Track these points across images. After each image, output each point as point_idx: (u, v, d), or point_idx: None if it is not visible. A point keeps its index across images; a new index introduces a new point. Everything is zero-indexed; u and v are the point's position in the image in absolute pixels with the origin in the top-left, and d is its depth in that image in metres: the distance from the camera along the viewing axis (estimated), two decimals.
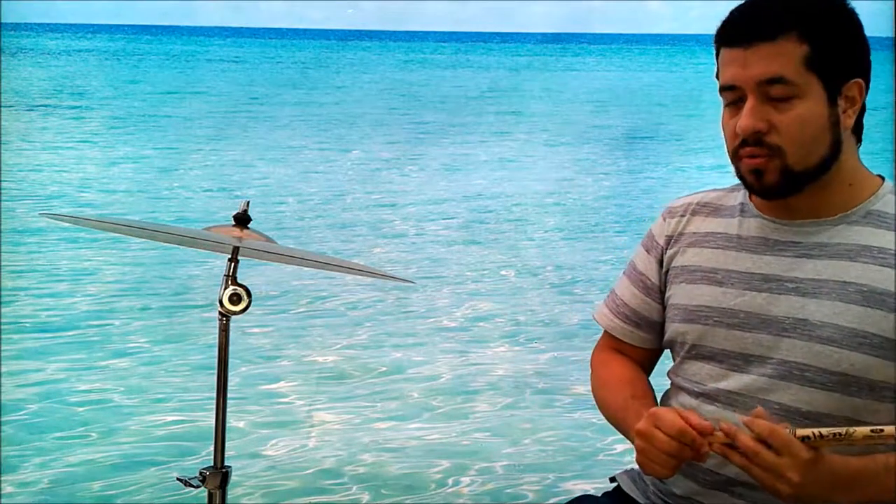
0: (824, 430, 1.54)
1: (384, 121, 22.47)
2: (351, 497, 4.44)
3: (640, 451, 1.66)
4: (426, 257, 9.40)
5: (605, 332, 2.02)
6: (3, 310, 7.01)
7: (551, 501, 4.42)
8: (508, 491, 4.51)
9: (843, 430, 1.53)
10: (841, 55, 1.69)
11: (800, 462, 1.53)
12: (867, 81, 1.75)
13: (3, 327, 6.61)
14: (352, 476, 4.61)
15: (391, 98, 29.98)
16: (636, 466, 1.89)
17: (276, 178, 14.00)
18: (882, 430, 1.51)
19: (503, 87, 35.92)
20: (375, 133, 19.98)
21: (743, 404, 1.73)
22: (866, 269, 1.68)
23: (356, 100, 28.86)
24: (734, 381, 1.76)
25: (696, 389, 1.81)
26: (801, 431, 1.55)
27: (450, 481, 4.57)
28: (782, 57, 1.65)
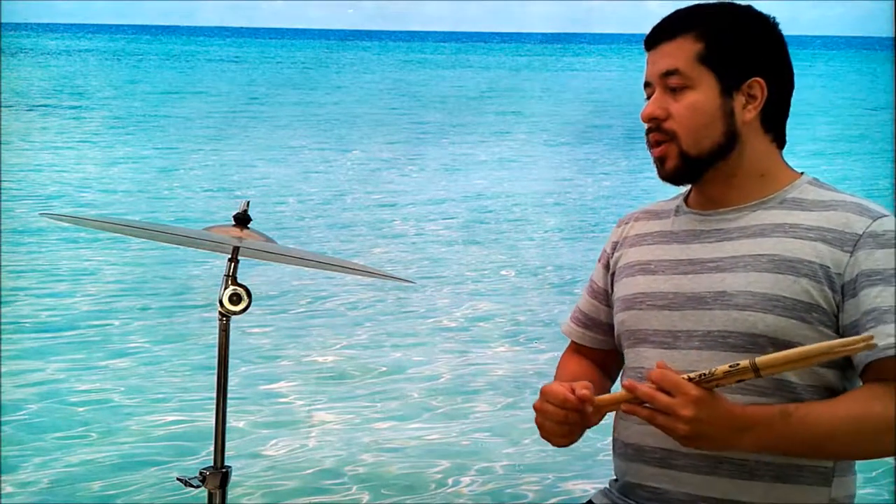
0: (692, 374, 1.68)
1: (384, 121, 22.48)
2: (351, 497, 4.44)
3: (538, 426, 1.84)
4: (426, 257, 9.41)
5: (570, 340, 2.18)
6: (3, 310, 7.02)
7: (551, 501, 4.43)
8: (508, 491, 4.51)
9: (706, 370, 1.67)
10: (737, 54, 1.88)
11: (690, 399, 1.66)
12: (779, 82, 1.91)
13: (3, 327, 6.62)
14: (352, 476, 4.62)
15: (391, 98, 29.99)
16: (607, 485, 2.02)
17: (276, 178, 14.01)
18: (738, 364, 1.65)
19: (503, 87, 35.94)
20: (375, 133, 19.99)
21: None
22: (778, 241, 1.84)
23: (356, 100, 28.87)
24: (667, 359, 1.84)
25: (637, 376, 1.91)
26: (685, 375, 1.69)
27: (450, 481, 4.58)
28: (679, 52, 1.89)
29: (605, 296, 2.08)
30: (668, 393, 1.67)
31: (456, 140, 19.15)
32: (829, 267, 1.78)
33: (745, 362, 1.65)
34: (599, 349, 2.10)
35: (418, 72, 47.06)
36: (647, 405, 1.70)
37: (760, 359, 1.64)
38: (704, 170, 1.89)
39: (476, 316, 7.34)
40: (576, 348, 2.16)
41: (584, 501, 2.03)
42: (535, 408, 1.83)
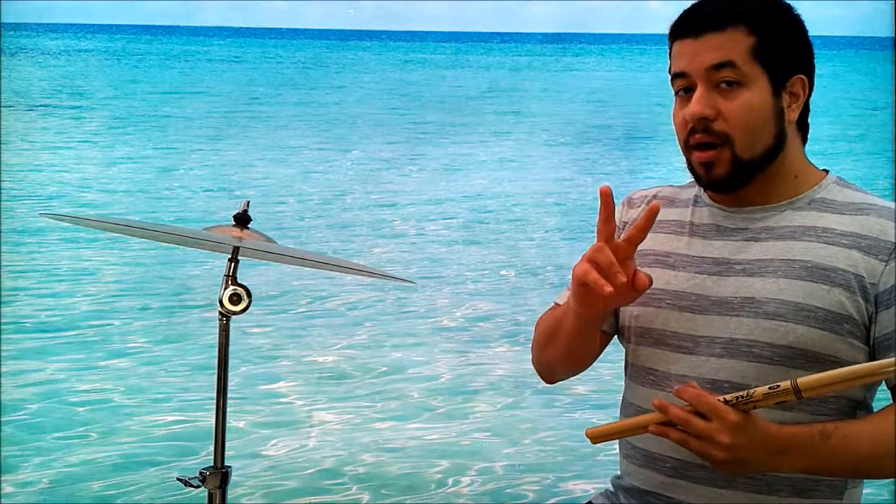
0: (728, 396, 1.61)
1: (384, 121, 22.47)
2: (351, 497, 4.44)
3: (590, 284, 1.67)
4: (426, 257, 9.40)
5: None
6: (3, 310, 7.02)
7: (551, 501, 4.42)
8: (508, 491, 4.51)
9: (744, 392, 1.60)
10: (785, 50, 1.78)
11: (728, 424, 1.59)
12: (811, 81, 1.83)
13: (3, 327, 6.61)
14: (352, 476, 4.62)
15: (391, 98, 29.98)
16: (609, 486, 1.95)
17: (276, 178, 14.00)
18: (778, 386, 1.59)
19: (503, 87, 35.92)
20: (375, 133, 19.99)
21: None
22: (810, 247, 1.75)
23: (356, 100, 28.86)
24: (685, 364, 1.79)
25: (649, 377, 1.84)
26: (720, 397, 1.62)
27: (450, 481, 4.58)
28: (732, 45, 1.74)
29: None
30: (702, 416, 1.60)
31: (456, 140, 19.14)
32: (863, 277, 1.70)
33: (785, 384, 1.58)
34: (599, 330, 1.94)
35: (418, 72, 47.04)
36: (678, 427, 1.63)
37: (802, 380, 1.58)
38: (753, 175, 1.77)
39: (476, 316, 7.34)
40: None
41: (585, 503, 2.00)
42: (582, 271, 1.67)
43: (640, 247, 1.86)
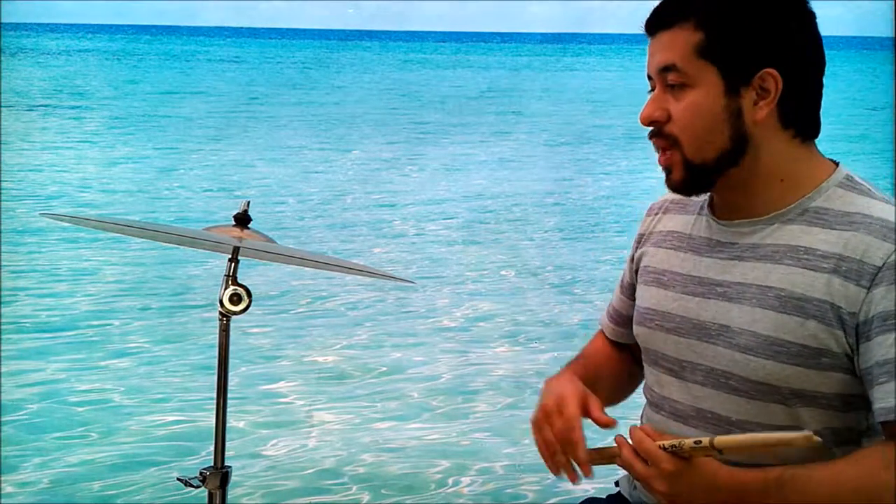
0: (666, 442, 1.57)
1: (384, 121, 22.47)
2: (351, 497, 4.44)
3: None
4: (426, 257, 9.40)
5: None
6: (3, 310, 7.02)
7: (551, 501, 4.42)
8: (508, 491, 4.51)
9: (677, 441, 1.56)
10: (744, 43, 1.63)
11: (662, 473, 1.56)
12: (799, 66, 1.67)
13: (3, 327, 6.61)
14: (352, 476, 4.62)
15: (391, 98, 29.98)
16: (614, 484, 1.96)
17: (276, 178, 14.00)
18: (701, 442, 1.53)
19: (503, 87, 35.92)
20: (375, 133, 19.98)
21: (683, 413, 1.75)
22: (788, 273, 1.63)
23: (356, 100, 28.86)
24: (674, 389, 1.77)
25: (650, 398, 1.84)
26: (661, 442, 1.59)
27: (450, 481, 4.58)
28: (676, 44, 1.64)
29: (631, 290, 1.92)
30: (643, 460, 1.58)
31: (456, 140, 19.14)
32: (841, 307, 1.58)
33: (706, 440, 1.53)
34: (636, 344, 1.92)
35: (418, 72, 47.04)
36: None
37: (719, 438, 1.52)
38: (713, 179, 1.68)
39: (476, 316, 7.34)
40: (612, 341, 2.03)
41: (615, 481, 1.98)
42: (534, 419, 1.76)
43: (647, 260, 1.87)
